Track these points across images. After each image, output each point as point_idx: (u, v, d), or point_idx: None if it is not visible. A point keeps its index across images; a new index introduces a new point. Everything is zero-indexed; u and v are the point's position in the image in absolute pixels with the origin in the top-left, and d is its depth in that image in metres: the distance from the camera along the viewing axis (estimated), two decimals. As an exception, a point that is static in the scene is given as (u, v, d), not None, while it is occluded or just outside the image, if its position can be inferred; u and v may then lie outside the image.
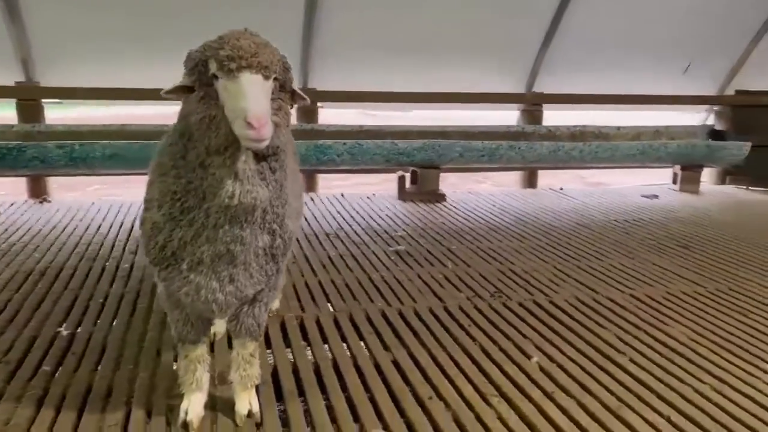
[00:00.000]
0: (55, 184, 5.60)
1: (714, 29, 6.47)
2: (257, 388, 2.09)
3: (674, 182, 6.59)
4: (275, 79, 1.51)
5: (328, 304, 3.06)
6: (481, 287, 3.34)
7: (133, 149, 4.76)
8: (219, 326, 2.53)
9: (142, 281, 3.28)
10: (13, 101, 5.31)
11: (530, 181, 6.68)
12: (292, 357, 2.49)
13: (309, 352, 2.54)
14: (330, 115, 6.33)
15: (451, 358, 2.50)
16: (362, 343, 2.64)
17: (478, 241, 4.29)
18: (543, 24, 6.05)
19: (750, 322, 2.94)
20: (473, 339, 2.69)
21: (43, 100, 5.38)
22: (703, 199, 6.13)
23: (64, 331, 2.65)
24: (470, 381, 2.31)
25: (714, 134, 6.79)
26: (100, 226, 4.42)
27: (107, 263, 3.59)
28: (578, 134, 6.42)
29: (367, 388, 2.25)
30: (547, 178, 6.92)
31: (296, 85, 1.64)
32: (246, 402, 2.00)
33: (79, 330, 2.68)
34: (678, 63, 6.74)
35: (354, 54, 5.80)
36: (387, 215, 4.98)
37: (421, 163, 5.55)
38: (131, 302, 2.99)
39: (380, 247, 4.06)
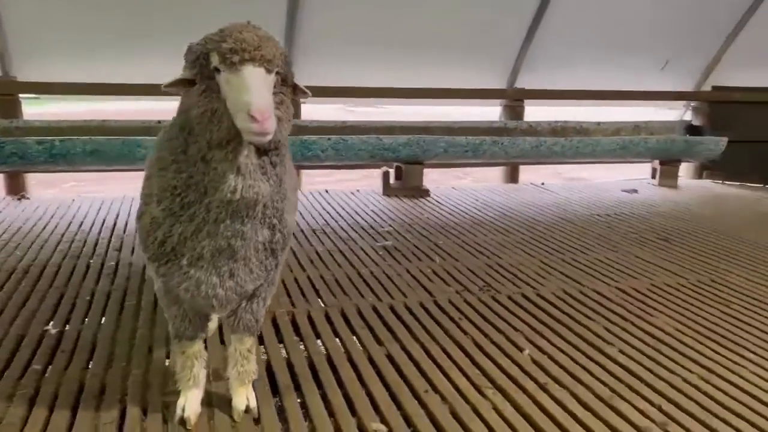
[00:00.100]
0: (33, 180, 5.50)
1: (691, 26, 6.59)
2: (253, 383, 2.08)
3: (653, 177, 6.70)
4: (277, 72, 1.50)
5: (319, 300, 3.06)
6: (469, 281, 3.36)
7: (114, 145, 4.70)
8: (211, 322, 2.51)
9: (129, 279, 3.24)
10: (-11, 96, 5.20)
11: (512, 177, 6.74)
12: (285, 352, 2.48)
13: (302, 347, 2.54)
14: (307, 111, 6.30)
15: (444, 351, 2.52)
16: (355, 338, 2.64)
17: (463, 235, 4.31)
18: (525, 21, 6.10)
19: (732, 312, 3.00)
20: (465, 332, 2.71)
21: (21, 95, 5.28)
22: (681, 193, 6.24)
23: (52, 330, 2.61)
24: (464, 374, 2.33)
25: (691, 130, 6.92)
26: (81, 223, 4.36)
27: (92, 261, 3.55)
28: (559, 129, 6.49)
29: (362, 382, 2.25)
30: (525, 173, 6.98)
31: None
32: (243, 397, 1.99)
33: (67, 328, 2.64)
34: (656, 60, 6.84)
35: (336, 50, 5.79)
36: (372, 211, 4.99)
37: (405, 159, 5.57)
38: (119, 300, 2.96)
39: (367, 242, 4.07)
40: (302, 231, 4.28)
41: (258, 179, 1.54)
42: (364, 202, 5.31)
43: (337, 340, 2.62)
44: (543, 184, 6.47)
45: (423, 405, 2.11)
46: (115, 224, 4.33)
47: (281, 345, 2.55)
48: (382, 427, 1.98)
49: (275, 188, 1.63)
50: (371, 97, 6.41)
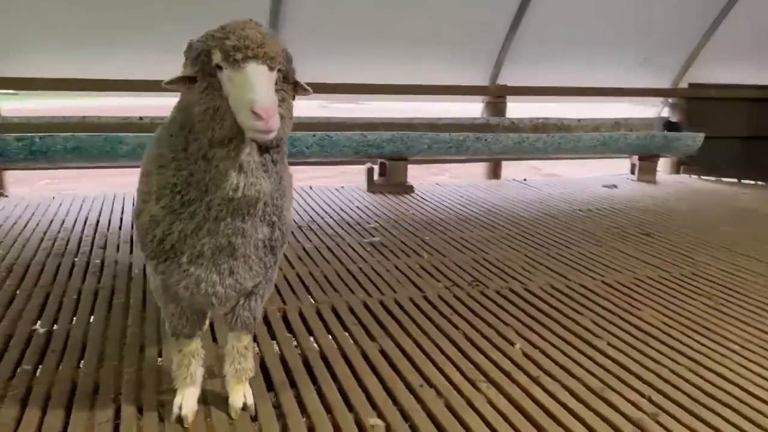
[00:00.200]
0: (11, 178, 5.41)
1: (669, 24, 6.71)
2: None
3: (632, 172, 6.80)
4: (279, 70, 1.50)
5: (309, 296, 3.06)
6: (458, 276, 3.39)
7: (96, 142, 4.63)
8: (203, 320, 2.50)
9: (116, 277, 3.21)
10: (-35, 92, 5.11)
11: (494, 173, 6.79)
12: (278, 349, 2.48)
13: (295, 344, 2.54)
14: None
15: (437, 346, 2.54)
16: (347, 334, 2.65)
17: (449, 231, 4.34)
18: (507, 18, 6.14)
19: (715, 305, 3.07)
20: (456, 327, 2.73)
21: (-2, 92, 5.20)
22: (660, 188, 6.35)
23: (40, 329, 2.57)
24: (458, 368, 2.36)
25: (669, 126, 7.04)
26: (63, 221, 4.29)
27: (76, 259, 3.50)
28: (540, 126, 6.56)
29: (357, 378, 2.26)
30: (505, 169, 7.01)
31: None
32: (240, 395, 1.99)
33: (55, 327, 2.61)
34: (634, 57, 6.94)
35: (317, 46, 5.76)
36: (357, 207, 4.99)
37: (389, 155, 5.58)
38: (107, 298, 2.93)
39: (354, 238, 4.07)
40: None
41: (260, 177, 1.54)
42: (348, 198, 5.31)
43: (330, 336, 2.63)
44: (525, 180, 6.53)
45: (418, 399, 2.13)
46: (98, 222, 4.27)
47: (274, 342, 2.55)
48: (380, 421, 1.99)
49: (275, 185, 1.63)
50: (352, 93, 6.40)
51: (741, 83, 7.01)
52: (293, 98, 1.61)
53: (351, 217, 4.65)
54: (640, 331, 2.73)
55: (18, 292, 2.99)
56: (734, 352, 2.54)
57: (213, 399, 2.07)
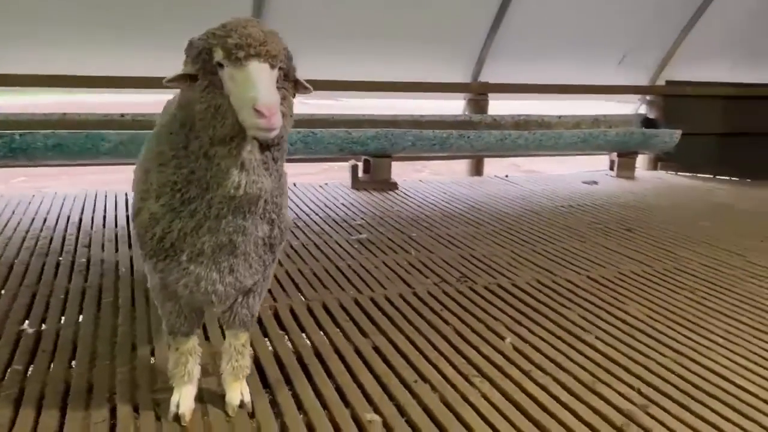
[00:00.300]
0: (-13, 176, 5.32)
1: (647, 22, 6.81)
2: (244, 378, 2.09)
3: (611, 168, 6.90)
4: (280, 68, 1.50)
5: (299, 294, 3.06)
6: (446, 272, 3.42)
7: (77, 139, 4.56)
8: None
9: (103, 276, 3.18)
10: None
11: (477, 169, 6.84)
12: (271, 347, 2.49)
13: (288, 341, 2.55)
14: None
15: (429, 341, 2.56)
16: (339, 331, 2.66)
17: (435, 227, 4.37)
18: (488, 16, 6.18)
19: (698, 299, 3.14)
20: (446, 323, 2.76)
21: (-25, 88, 5.09)
22: (638, 184, 6.46)
23: (29, 329, 2.55)
24: (451, 363, 2.38)
25: (647, 123, 7.15)
26: (45, 220, 4.23)
27: (61, 258, 3.46)
28: (522, 123, 6.62)
29: (352, 374, 2.28)
30: (486, 166, 7.04)
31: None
32: (237, 392, 1.99)
33: (44, 327, 2.59)
34: (613, 54, 7.04)
35: (299, 42, 5.72)
36: (343, 204, 5.00)
37: (374, 152, 5.59)
38: (95, 297, 2.90)
39: (341, 235, 4.08)
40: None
41: (261, 175, 1.55)
42: (333, 195, 5.31)
43: (322, 333, 2.64)
44: (507, 176, 6.59)
45: (414, 395, 2.15)
46: (80, 220, 4.22)
47: (266, 339, 2.55)
48: (377, 417, 2.01)
49: (275, 183, 1.64)
50: (332, 90, 6.37)
51: (716, 81, 7.16)
52: (294, 96, 1.61)
53: (336, 214, 4.66)
54: (627, 324, 2.79)
55: (3, 291, 2.95)
56: (718, 344, 2.61)
57: (209, 397, 2.07)
